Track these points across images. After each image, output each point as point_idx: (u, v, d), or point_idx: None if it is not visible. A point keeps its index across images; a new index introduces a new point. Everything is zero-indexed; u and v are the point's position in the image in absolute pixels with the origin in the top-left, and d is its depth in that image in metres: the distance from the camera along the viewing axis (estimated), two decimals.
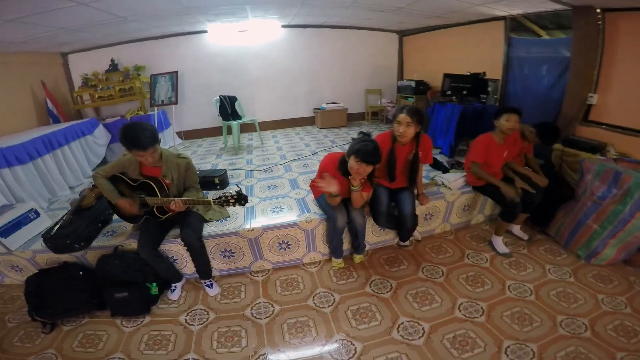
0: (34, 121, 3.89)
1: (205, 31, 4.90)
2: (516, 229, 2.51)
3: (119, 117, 4.65)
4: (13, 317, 1.98)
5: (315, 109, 5.80)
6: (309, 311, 1.90)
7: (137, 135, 1.62)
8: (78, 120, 4.07)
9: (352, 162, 1.80)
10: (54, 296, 1.79)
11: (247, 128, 5.43)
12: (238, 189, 1.70)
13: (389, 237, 2.50)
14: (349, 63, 5.81)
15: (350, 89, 5.99)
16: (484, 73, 3.83)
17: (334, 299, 1.98)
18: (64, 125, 3.65)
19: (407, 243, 2.50)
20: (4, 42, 3.14)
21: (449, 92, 3.76)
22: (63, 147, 3.26)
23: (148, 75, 4.76)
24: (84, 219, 2.03)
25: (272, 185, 3.00)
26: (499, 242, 2.35)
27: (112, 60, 4.73)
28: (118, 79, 4.70)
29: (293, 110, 5.87)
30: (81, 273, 1.89)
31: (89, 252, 2.08)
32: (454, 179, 2.64)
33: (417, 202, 2.32)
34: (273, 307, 1.95)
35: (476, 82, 3.75)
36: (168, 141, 4.84)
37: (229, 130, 4.49)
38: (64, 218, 1.98)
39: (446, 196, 2.53)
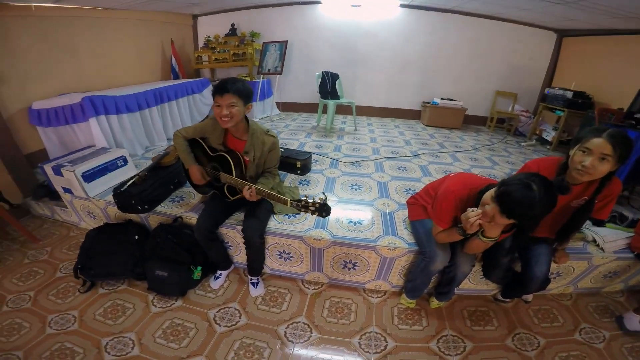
0: (158, 75, 4.31)
1: (319, 2, 4.65)
2: None
3: None
4: (66, 266, 1.97)
5: (424, 102, 5.02)
6: (349, 352, 1.53)
7: (226, 80, 1.48)
8: (195, 78, 4.34)
9: (489, 202, 1.15)
10: (103, 257, 1.74)
11: (342, 110, 5.13)
12: (324, 198, 1.37)
13: (487, 286, 1.89)
14: (479, 57, 4.80)
15: (475, 87, 5.00)
16: None
17: (386, 345, 1.57)
18: (177, 82, 3.88)
19: (508, 300, 1.87)
20: None
21: (638, 116, 2.57)
22: (171, 101, 3.43)
23: (261, 42, 4.81)
24: (158, 179, 1.96)
25: (356, 184, 2.52)
26: (634, 321, 1.72)
27: (232, 25, 4.90)
28: (234, 44, 4.85)
29: (396, 99, 5.24)
30: (136, 237, 1.81)
31: (152, 216, 2.00)
32: (613, 238, 1.87)
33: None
34: (311, 332, 1.62)
35: None
36: (267, 110, 4.86)
37: (325, 109, 4.22)
38: (140, 174, 1.93)
39: (593, 258, 1.81)
